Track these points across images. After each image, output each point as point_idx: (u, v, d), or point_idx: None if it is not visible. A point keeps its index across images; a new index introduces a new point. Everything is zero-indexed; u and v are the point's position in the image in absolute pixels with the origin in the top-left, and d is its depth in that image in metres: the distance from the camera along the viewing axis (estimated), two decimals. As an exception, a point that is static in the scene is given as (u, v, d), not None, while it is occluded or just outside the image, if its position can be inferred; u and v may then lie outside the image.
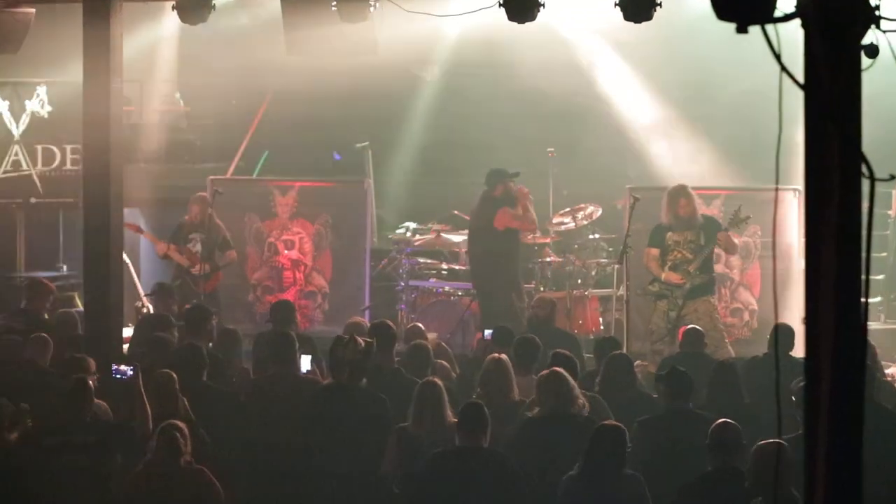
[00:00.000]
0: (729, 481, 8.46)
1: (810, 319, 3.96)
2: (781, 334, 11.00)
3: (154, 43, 17.04)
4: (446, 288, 16.33)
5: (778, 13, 3.74)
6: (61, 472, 9.34)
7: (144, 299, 15.94)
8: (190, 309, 12.79)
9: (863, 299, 3.85)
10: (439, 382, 9.82)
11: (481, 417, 8.95)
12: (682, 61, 17.20)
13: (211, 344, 12.14)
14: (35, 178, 17.53)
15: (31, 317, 13.47)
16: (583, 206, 17.10)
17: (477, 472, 8.82)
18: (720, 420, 8.78)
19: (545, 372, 9.78)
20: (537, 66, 17.79)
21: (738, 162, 17.03)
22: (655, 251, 14.21)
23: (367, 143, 18.68)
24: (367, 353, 10.09)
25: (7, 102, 17.57)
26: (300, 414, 10.19)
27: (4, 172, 17.57)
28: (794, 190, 14.79)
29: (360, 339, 10.10)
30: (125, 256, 13.93)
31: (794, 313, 13.86)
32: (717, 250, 14.44)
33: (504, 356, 10.44)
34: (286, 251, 17.02)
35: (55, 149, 17.49)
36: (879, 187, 3.84)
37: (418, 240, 17.03)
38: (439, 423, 9.50)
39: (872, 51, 5.07)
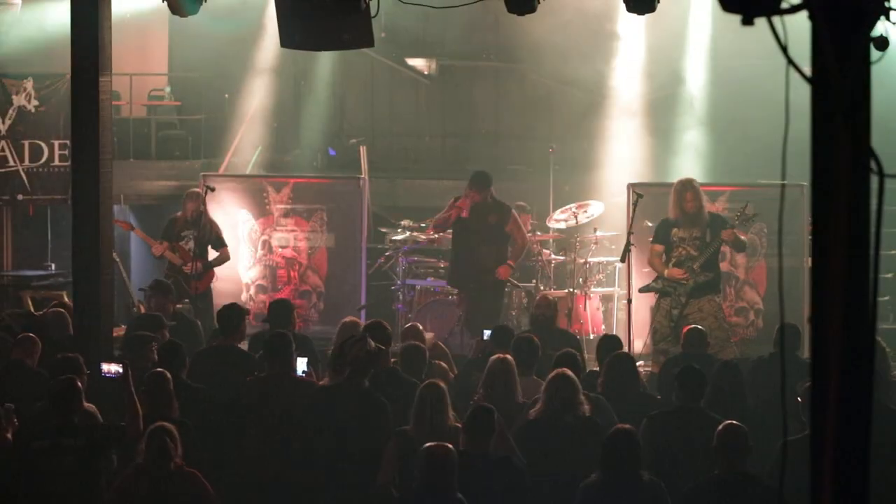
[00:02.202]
0: (737, 484, 8.42)
1: (817, 319, 3.81)
2: (787, 334, 10.92)
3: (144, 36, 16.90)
4: (444, 287, 16.14)
5: (785, 4, 3.65)
6: (49, 475, 9.16)
7: (137, 300, 15.77)
8: (223, 308, 12.59)
9: (871, 298, 3.72)
10: (442, 385, 9.69)
11: (489, 422, 8.85)
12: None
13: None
14: (22, 174, 17.38)
15: (32, 319, 13.33)
16: (584, 203, 16.94)
17: (482, 476, 8.70)
18: (727, 422, 8.72)
19: (555, 372, 9.68)
20: (539, 58, 17.67)
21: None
22: (660, 247, 14.11)
23: (362, 139, 18.54)
24: (375, 356, 9.96)
25: (-7, 97, 17.46)
26: (297, 415, 10.05)
27: (-9, 168, 17.47)
28: (801, 186, 14.67)
29: (371, 341, 9.93)
30: (114, 255, 13.73)
31: (801, 313, 13.75)
32: (723, 248, 14.29)
33: (509, 356, 10.26)
34: (280, 249, 16.90)
35: (43, 144, 17.35)
36: (888, 184, 3.69)
37: (415, 237, 16.84)
38: (440, 427, 9.34)
39: (882, 43, 4.87)
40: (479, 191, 14.76)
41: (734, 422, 8.69)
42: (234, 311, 12.16)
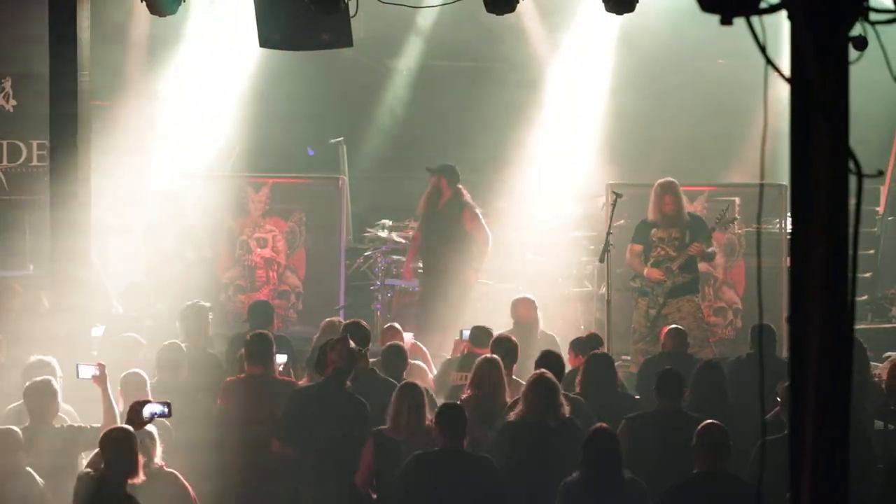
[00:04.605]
0: (716, 484, 8.43)
1: (796, 318, 3.85)
2: (764, 334, 10.96)
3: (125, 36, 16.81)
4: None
5: (763, 4, 3.67)
6: (26, 476, 9.09)
7: (116, 301, 15.69)
8: (254, 304, 12.86)
9: (850, 298, 3.75)
10: (420, 385, 9.79)
11: (460, 419, 8.87)
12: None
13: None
14: (0, 174, 17.24)
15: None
16: (563, 202, 16.93)
17: (459, 474, 8.74)
18: (707, 421, 8.72)
19: (536, 374, 9.69)
20: (516, 58, 17.67)
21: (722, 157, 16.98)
22: (639, 247, 14.12)
23: (341, 139, 18.49)
24: (356, 356, 10.00)
25: (-31, 96, 17.33)
26: (277, 414, 10.04)
27: (-32, 169, 17.33)
28: (780, 186, 14.71)
29: (351, 341, 9.95)
30: (93, 255, 13.67)
31: (780, 312, 13.77)
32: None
33: (496, 356, 10.23)
34: (259, 249, 16.84)
35: (21, 144, 17.21)
36: (867, 183, 3.75)
37: (394, 237, 16.81)
38: (418, 427, 9.42)
39: (861, 43, 4.88)
40: (447, 181, 14.84)
41: (714, 421, 8.69)
42: (264, 307, 12.58)
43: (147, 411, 8.50)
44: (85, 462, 9.47)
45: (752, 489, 8.16)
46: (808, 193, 3.76)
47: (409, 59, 18.76)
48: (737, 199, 15.54)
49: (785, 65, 3.79)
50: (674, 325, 12.64)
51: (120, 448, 8.08)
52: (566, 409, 9.44)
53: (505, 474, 8.93)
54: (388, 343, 11.49)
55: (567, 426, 9.34)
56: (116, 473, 8.06)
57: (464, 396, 10.09)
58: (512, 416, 9.52)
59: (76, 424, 9.85)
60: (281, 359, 11.21)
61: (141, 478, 8.11)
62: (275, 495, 9.88)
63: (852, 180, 3.72)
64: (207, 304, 12.52)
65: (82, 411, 10.12)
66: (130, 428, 8.27)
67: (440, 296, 14.89)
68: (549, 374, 9.58)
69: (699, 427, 8.63)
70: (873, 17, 3.82)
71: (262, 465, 10.06)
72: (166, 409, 8.53)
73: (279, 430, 9.93)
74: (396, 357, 11.06)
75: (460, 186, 14.96)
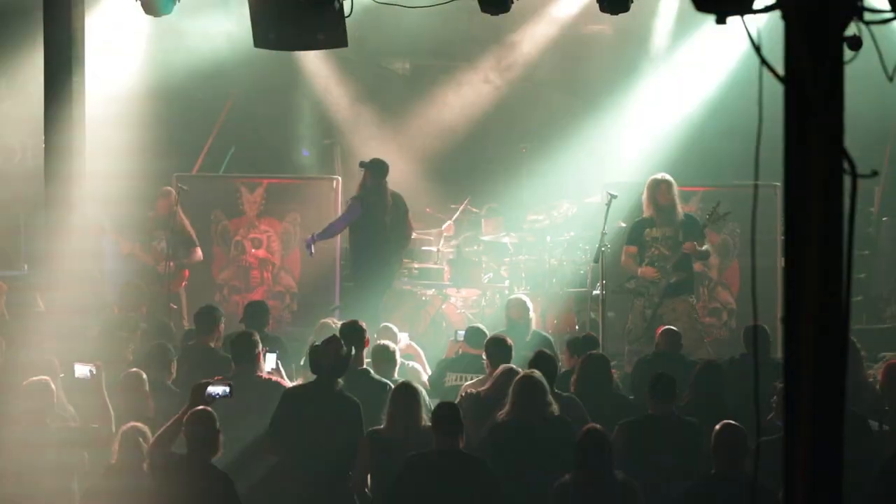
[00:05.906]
0: (732, 484, 8.41)
1: (790, 319, 3.85)
2: (757, 334, 10.96)
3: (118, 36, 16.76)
4: (417, 287, 16.10)
5: (758, 4, 3.70)
6: (23, 475, 9.11)
7: (111, 302, 15.68)
8: (249, 304, 12.86)
9: (844, 298, 3.74)
10: (416, 385, 9.74)
11: (456, 419, 8.84)
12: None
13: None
14: (-5, 174, 17.27)
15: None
16: (557, 203, 16.91)
17: (453, 475, 8.71)
18: (724, 422, 8.68)
19: (521, 374, 9.67)
20: (510, 59, 17.65)
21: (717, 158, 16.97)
22: (633, 249, 14.12)
23: (335, 140, 18.48)
24: (347, 357, 9.94)
25: (-36, 96, 17.33)
26: (264, 415, 9.98)
27: (-38, 168, 17.32)
28: (774, 186, 14.71)
29: (342, 342, 9.93)
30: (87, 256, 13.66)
31: (774, 313, 13.79)
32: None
33: (538, 373, 9.87)
34: (254, 250, 16.85)
35: (15, 144, 17.20)
36: (862, 184, 3.73)
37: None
38: (413, 427, 9.38)
39: (855, 43, 4.87)
40: (370, 174, 14.91)
41: (731, 422, 8.64)
42: (260, 307, 12.62)
43: (210, 392, 8.65)
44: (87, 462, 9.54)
45: (766, 490, 8.09)
46: (803, 194, 3.75)
47: (403, 59, 18.75)
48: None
49: (779, 64, 3.79)
50: (668, 326, 12.62)
51: (205, 428, 8.44)
52: (554, 408, 9.42)
53: (498, 474, 8.92)
54: (375, 344, 11.46)
55: (555, 425, 9.33)
56: (202, 451, 8.44)
57: (464, 394, 10.10)
58: (500, 417, 9.51)
59: (74, 424, 9.88)
60: (270, 358, 11.21)
61: (220, 454, 8.56)
62: (266, 495, 9.85)
63: (847, 180, 3.71)
64: (220, 308, 12.60)
65: (80, 411, 10.14)
66: (210, 409, 8.46)
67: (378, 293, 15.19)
68: (535, 374, 9.56)
69: (717, 427, 8.60)
70: (868, 16, 3.81)
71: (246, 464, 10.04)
72: (228, 390, 8.70)
73: (270, 430, 9.91)
74: (384, 357, 11.04)
75: (385, 181, 14.97)
